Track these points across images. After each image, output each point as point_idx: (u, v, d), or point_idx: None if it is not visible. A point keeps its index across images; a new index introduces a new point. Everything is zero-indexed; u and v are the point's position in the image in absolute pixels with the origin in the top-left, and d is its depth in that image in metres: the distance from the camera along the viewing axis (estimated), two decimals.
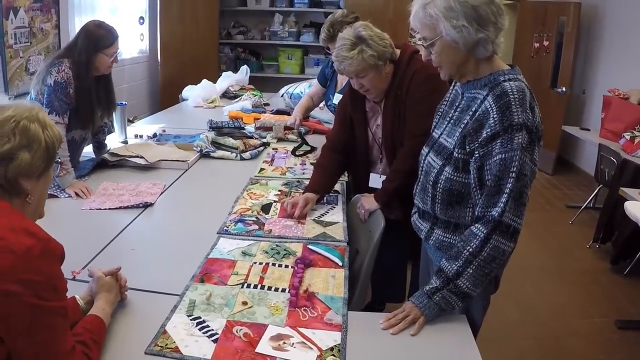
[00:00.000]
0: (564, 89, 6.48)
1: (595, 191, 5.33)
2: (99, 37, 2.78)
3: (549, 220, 5.37)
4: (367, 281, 2.31)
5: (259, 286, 1.86)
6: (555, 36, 6.65)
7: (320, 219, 2.45)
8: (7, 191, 1.27)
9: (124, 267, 1.75)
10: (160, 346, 1.51)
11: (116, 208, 2.52)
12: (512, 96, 1.63)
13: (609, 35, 6.33)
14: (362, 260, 2.25)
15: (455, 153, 1.76)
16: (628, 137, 4.79)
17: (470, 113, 1.74)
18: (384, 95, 2.52)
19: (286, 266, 2.00)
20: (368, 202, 2.49)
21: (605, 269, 4.37)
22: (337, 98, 3.38)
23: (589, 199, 5.40)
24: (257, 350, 1.52)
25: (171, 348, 1.51)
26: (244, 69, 5.69)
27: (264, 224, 2.37)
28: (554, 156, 6.73)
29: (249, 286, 1.85)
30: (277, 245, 2.15)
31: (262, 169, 3.16)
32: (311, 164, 3.23)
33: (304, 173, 3.10)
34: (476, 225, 1.67)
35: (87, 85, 2.80)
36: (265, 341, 1.56)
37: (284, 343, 1.56)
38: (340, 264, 2.04)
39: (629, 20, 5.94)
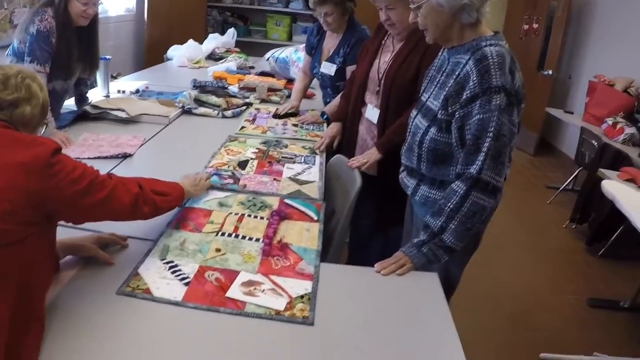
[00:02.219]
0: (550, 72, 6.49)
1: (575, 173, 5.38)
2: None
3: (527, 199, 5.41)
4: (342, 240, 2.32)
5: (233, 235, 1.87)
6: (545, 19, 6.64)
7: (297, 177, 2.45)
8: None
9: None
10: (132, 287, 1.52)
11: (95, 157, 2.50)
12: (491, 60, 1.70)
13: (599, 23, 6.34)
14: (337, 219, 2.25)
15: (439, 114, 1.85)
16: (610, 123, 4.82)
17: (454, 77, 1.81)
18: (406, 37, 2.53)
19: (262, 218, 2.01)
20: (370, 154, 2.54)
21: (581, 249, 4.43)
22: (324, 67, 3.36)
23: (568, 181, 5.45)
24: (228, 294, 1.53)
25: (142, 289, 1.52)
26: (231, 31, 5.64)
27: (239, 179, 2.36)
28: (536, 137, 6.77)
29: (223, 234, 1.87)
30: (253, 198, 2.16)
31: (242, 127, 3.15)
32: (293, 125, 3.23)
33: (284, 133, 3.09)
34: (456, 182, 1.77)
35: (68, 35, 2.76)
36: (237, 286, 1.58)
37: (255, 289, 1.57)
38: (315, 218, 2.05)
39: (618, 10, 5.95)
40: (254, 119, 3.31)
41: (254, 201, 2.13)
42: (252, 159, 2.62)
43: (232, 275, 1.63)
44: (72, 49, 2.83)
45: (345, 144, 2.89)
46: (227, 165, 2.50)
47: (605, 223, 4.26)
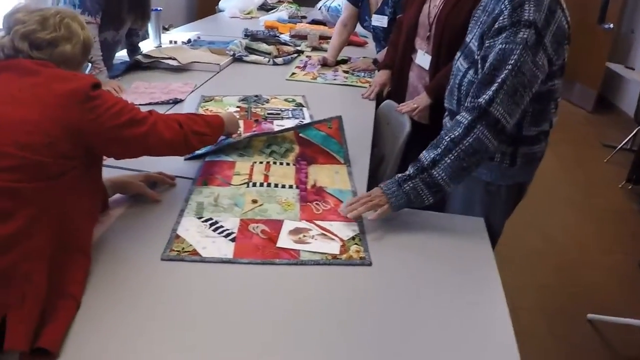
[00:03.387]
0: (611, 25, 6.21)
1: (634, 132, 5.18)
2: None
3: (582, 157, 5.25)
4: None
5: (265, 184, 1.82)
6: None
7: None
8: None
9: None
10: (177, 250, 1.45)
11: (147, 104, 2.52)
12: None
13: None
14: (386, 165, 2.24)
15: (475, 55, 1.73)
16: None
17: (493, 15, 1.68)
18: None
19: (287, 164, 1.96)
20: (420, 100, 2.50)
21: (635, 210, 4.27)
22: (375, 19, 3.28)
23: (627, 139, 5.25)
24: (279, 244, 1.50)
25: (189, 251, 1.45)
26: None
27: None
28: (595, 94, 6.53)
29: (254, 185, 1.81)
30: (271, 144, 2.05)
31: (293, 74, 3.13)
32: (344, 71, 3.19)
33: (335, 79, 3.06)
34: (462, 113, 1.61)
35: None
36: (285, 235, 1.54)
37: (304, 236, 1.54)
38: (341, 160, 2.00)
39: None
40: (304, 66, 3.29)
41: (274, 147, 2.03)
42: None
43: (276, 225, 1.59)
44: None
45: (394, 92, 2.83)
46: None
47: None
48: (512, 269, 3.18)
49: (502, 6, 1.61)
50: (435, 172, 1.57)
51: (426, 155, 1.60)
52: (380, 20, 3.26)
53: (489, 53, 1.61)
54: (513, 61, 1.54)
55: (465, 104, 1.64)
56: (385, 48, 3.15)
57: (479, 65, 1.67)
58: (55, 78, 1.33)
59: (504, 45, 1.56)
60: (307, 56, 3.55)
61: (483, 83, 1.59)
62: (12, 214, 1.16)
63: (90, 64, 1.63)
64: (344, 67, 3.31)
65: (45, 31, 1.40)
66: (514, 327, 1.25)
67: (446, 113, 2.02)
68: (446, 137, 1.58)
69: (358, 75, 3.17)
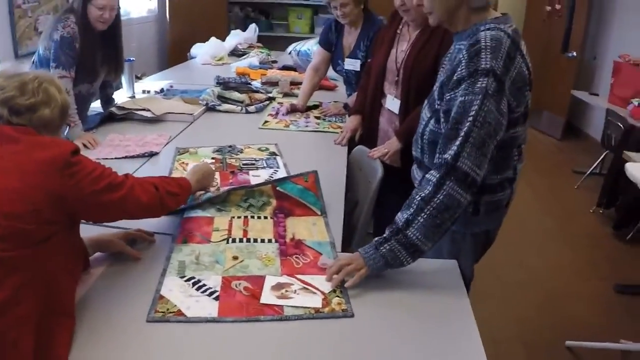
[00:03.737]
0: (574, 53, 6.40)
1: (602, 157, 5.32)
2: None
3: (554, 184, 5.38)
4: (365, 231, 2.35)
5: (245, 239, 1.82)
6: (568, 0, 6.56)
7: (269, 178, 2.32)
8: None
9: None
10: (162, 312, 1.44)
11: (122, 157, 2.56)
12: (483, 44, 1.57)
13: (622, 1, 6.23)
14: (360, 210, 2.28)
15: (436, 104, 1.75)
16: (636, 104, 4.76)
17: (454, 64, 1.69)
18: (422, 24, 2.50)
19: (265, 217, 1.97)
20: (390, 144, 2.55)
21: (608, 234, 4.38)
22: (348, 63, 3.35)
23: (595, 164, 5.39)
24: (262, 301, 1.50)
25: (174, 312, 1.44)
26: (253, 27, 5.70)
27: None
28: (562, 121, 6.71)
29: (234, 240, 1.81)
30: (248, 199, 2.06)
31: (266, 122, 3.17)
32: (315, 117, 3.24)
33: (307, 126, 3.11)
34: (431, 171, 1.60)
35: (91, 40, 2.83)
36: (268, 291, 1.54)
37: (287, 291, 1.55)
38: (318, 212, 2.02)
39: None
40: (276, 113, 3.34)
41: (251, 201, 2.05)
42: None
43: (258, 280, 1.60)
44: (96, 53, 2.90)
45: (366, 137, 2.88)
46: None
47: (632, 207, 4.21)
48: (491, 302, 3.22)
49: (460, 56, 1.63)
50: (409, 233, 1.55)
51: (400, 217, 1.59)
52: (353, 64, 3.33)
53: (451, 106, 1.61)
54: (474, 112, 1.53)
55: (434, 160, 1.62)
56: (356, 92, 3.22)
57: (442, 119, 1.68)
58: (35, 145, 1.36)
59: (464, 98, 1.56)
60: (278, 103, 3.59)
61: (448, 138, 1.58)
62: (0, 281, 1.18)
63: (68, 125, 1.66)
64: (315, 112, 3.36)
65: (24, 97, 1.42)
66: None
67: (414, 162, 2.03)
68: (417, 197, 1.58)
69: (330, 121, 3.22)
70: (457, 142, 1.54)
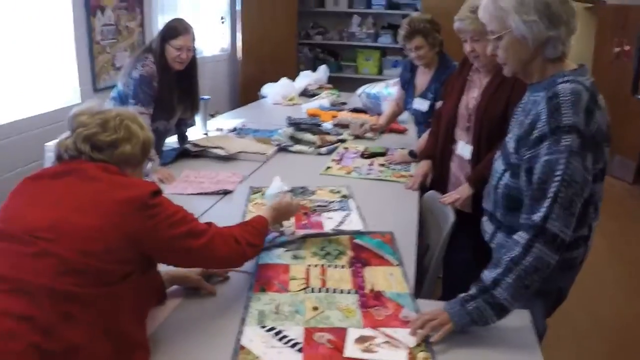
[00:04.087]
0: None
1: None
2: (168, 28, 2.93)
3: (627, 232, 5.17)
4: (435, 275, 2.32)
5: (323, 289, 1.81)
6: (636, 41, 6.39)
7: (340, 229, 2.30)
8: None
9: None
10: None
11: (197, 194, 2.62)
12: (562, 97, 1.55)
13: None
14: (432, 254, 2.26)
15: (511, 158, 1.73)
16: None
17: (529, 116, 1.67)
18: (492, 70, 2.50)
19: (342, 267, 1.96)
20: (462, 190, 2.53)
21: None
22: (417, 102, 3.40)
23: None
24: (347, 354, 1.47)
25: None
26: (323, 68, 5.77)
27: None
28: (634, 165, 6.47)
29: (312, 290, 1.80)
30: (324, 247, 2.08)
31: (328, 167, 3.15)
32: (380, 164, 3.21)
33: (369, 174, 3.06)
34: (519, 232, 1.58)
35: (169, 79, 2.95)
36: (351, 344, 1.52)
37: (370, 345, 1.52)
38: (394, 262, 2.00)
39: None
40: (340, 159, 3.31)
41: (328, 249, 2.06)
42: None
43: (340, 333, 1.57)
44: (173, 91, 3.01)
45: (436, 182, 2.87)
46: None
47: None
48: (562, 352, 3.11)
49: (537, 110, 1.61)
50: (497, 293, 1.54)
51: (487, 275, 1.57)
52: (420, 104, 3.37)
53: (534, 164, 1.58)
54: (560, 172, 1.51)
55: (521, 220, 1.59)
56: (422, 137, 3.22)
57: (524, 177, 1.65)
58: (115, 185, 1.39)
59: (549, 157, 1.53)
60: (344, 147, 3.56)
61: (535, 199, 1.56)
62: (76, 317, 1.21)
63: (151, 161, 1.69)
64: (381, 160, 3.31)
65: (106, 133, 1.47)
66: None
67: (484, 213, 2.00)
68: (505, 257, 1.55)
69: (394, 169, 3.15)
70: (546, 204, 1.52)
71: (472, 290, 1.58)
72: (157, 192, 1.43)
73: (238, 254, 1.63)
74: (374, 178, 2.99)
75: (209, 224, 1.57)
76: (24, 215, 1.35)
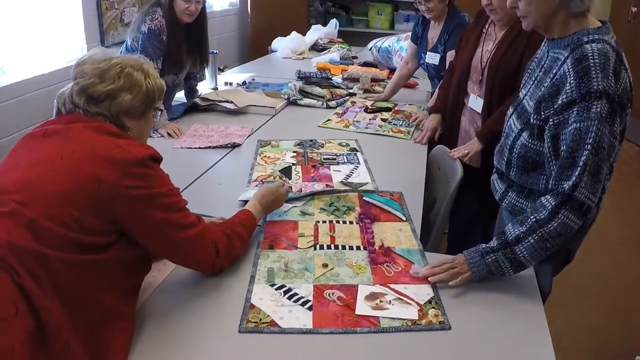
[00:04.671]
0: None
1: None
2: None
3: (635, 194, 5.13)
4: (441, 231, 2.33)
5: (332, 246, 1.78)
6: None
7: (349, 181, 2.29)
8: (113, 124, 1.44)
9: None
10: (254, 322, 1.41)
11: (205, 147, 2.62)
12: (592, 60, 1.50)
13: None
14: (438, 209, 2.25)
15: (531, 119, 1.68)
16: None
17: (551, 76, 1.62)
18: (508, 23, 2.48)
19: (351, 222, 1.94)
20: (471, 145, 2.52)
21: None
22: (429, 57, 3.36)
23: None
24: (358, 312, 1.46)
25: (267, 322, 1.41)
26: (333, 22, 5.70)
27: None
28: None
29: (321, 247, 1.77)
30: (332, 203, 2.06)
31: (328, 120, 3.13)
32: (382, 119, 3.17)
33: (367, 128, 3.01)
34: (547, 196, 1.57)
35: (178, 32, 2.90)
36: (362, 302, 1.50)
37: (381, 302, 1.51)
38: (403, 217, 1.98)
39: None
40: (344, 113, 3.28)
41: (336, 205, 2.05)
42: (293, 164, 2.46)
43: (351, 290, 1.55)
44: (182, 45, 2.97)
45: (446, 136, 2.86)
46: (272, 177, 2.31)
47: None
48: (563, 309, 3.12)
49: (563, 71, 1.56)
50: (517, 250, 1.56)
51: (511, 230, 1.59)
52: (433, 58, 3.33)
53: (561, 130, 1.55)
54: (591, 139, 1.48)
55: (549, 186, 1.58)
56: (435, 91, 3.19)
57: (549, 142, 1.60)
58: (100, 147, 1.31)
59: (579, 124, 1.49)
60: (351, 102, 3.53)
61: (564, 166, 1.53)
62: (44, 281, 1.16)
63: (160, 112, 1.60)
64: (386, 114, 3.26)
65: (104, 83, 1.39)
66: None
67: (494, 170, 1.98)
68: (531, 217, 1.56)
69: (394, 125, 3.09)
70: (576, 173, 1.50)
71: (494, 243, 1.60)
72: (150, 160, 1.35)
73: (210, 265, 1.53)
74: (371, 132, 2.96)
75: (199, 218, 1.48)
76: (6, 174, 1.31)
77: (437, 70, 3.35)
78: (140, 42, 2.82)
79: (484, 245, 1.62)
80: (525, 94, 1.78)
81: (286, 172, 2.37)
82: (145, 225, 1.33)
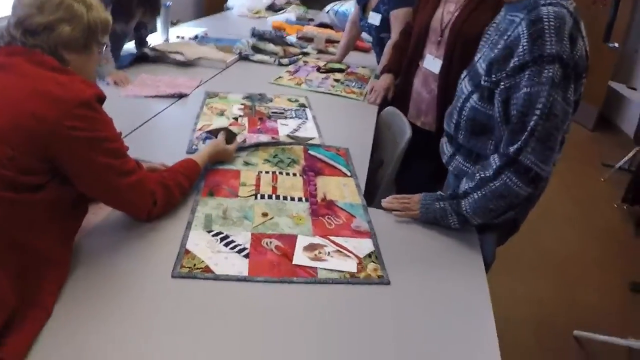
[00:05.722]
0: (616, 44, 6.23)
1: (632, 152, 5.20)
2: None
3: (581, 174, 5.27)
4: (387, 192, 2.30)
5: (274, 196, 1.76)
6: None
7: (295, 134, 2.27)
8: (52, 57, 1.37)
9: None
10: (188, 267, 1.38)
11: (153, 96, 2.56)
12: (546, 23, 1.45)
13: None
14: (385, 170, 2.25)
15: (482, 81, 1.64)
16: None
17: (505, 37, 1.58)
18: None
19: (294, 174, 1.92)
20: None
21: (630, 231, 4.28)
22: (371, 17, 3.25)
23: (625, 159, 5.26)
24: (295, 262, 1.44)
25: (201, 268, 1.38)
26: None
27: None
28: (596, 112, 6.54)
29: (262, 197, 1.75)
30: (276, 155, 2.04)
31: (280, 77, 3.10)
32: (335, 80, 3.14)
33: (319, 87, 2.99)
34: (494, 155, 1.58)
35: None
36: (300, 252, 1.48)
37: (320, 253, 1.49)
38: (347, 173, 1.97)
39: None
40: (296, 71, 3.25)
41: (281, 157, 2.03)
42: (240, 116, 2.42)
43: (290, 240, 1.53)
44: None
45: (398, 97, 2.82)
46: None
47: None
48: (507, 279, 3.20)
49: (517, 32, 1.53)
50: (463, 203, 1.60)
51: (463, 184, 1.63)
52: (374, 18, 3.22)
53: (512, 94, 1.52)
54: (541, 105, 1.44)
55: (501, 150, 1.57)
56: (384, 53, 3.14)
57: (499, 107, 1.58)
58: (42, 82, 1.27)
59: (529, 89, 1.46)
60: (304, 61, 3.51)
61: (514, 131, 1.51)
62: None
63: (105, 46, 1.52)
64: (338, 75, 3.25)
65: (42, 15, 1.33)
66: (504, 338, 1.26)
67: (444, 134, 1.96)
68: (478, 174, 1.59)
69: (347, 85, 3.07)
70: (523, 137, 1.48)
71: (447, 192, 1.66)
72: (95, 101, 1.30)
73: (145, 213, 1.50)
74: (323, 92, 2.93)
75: (139, 165, 1.45)
76: None
77: (376, 31, 3.26)
78: None
79: (439, 193, 1.69)
80: (480, 57, 1.75)
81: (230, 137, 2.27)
82: (85, 167, 1.30)
